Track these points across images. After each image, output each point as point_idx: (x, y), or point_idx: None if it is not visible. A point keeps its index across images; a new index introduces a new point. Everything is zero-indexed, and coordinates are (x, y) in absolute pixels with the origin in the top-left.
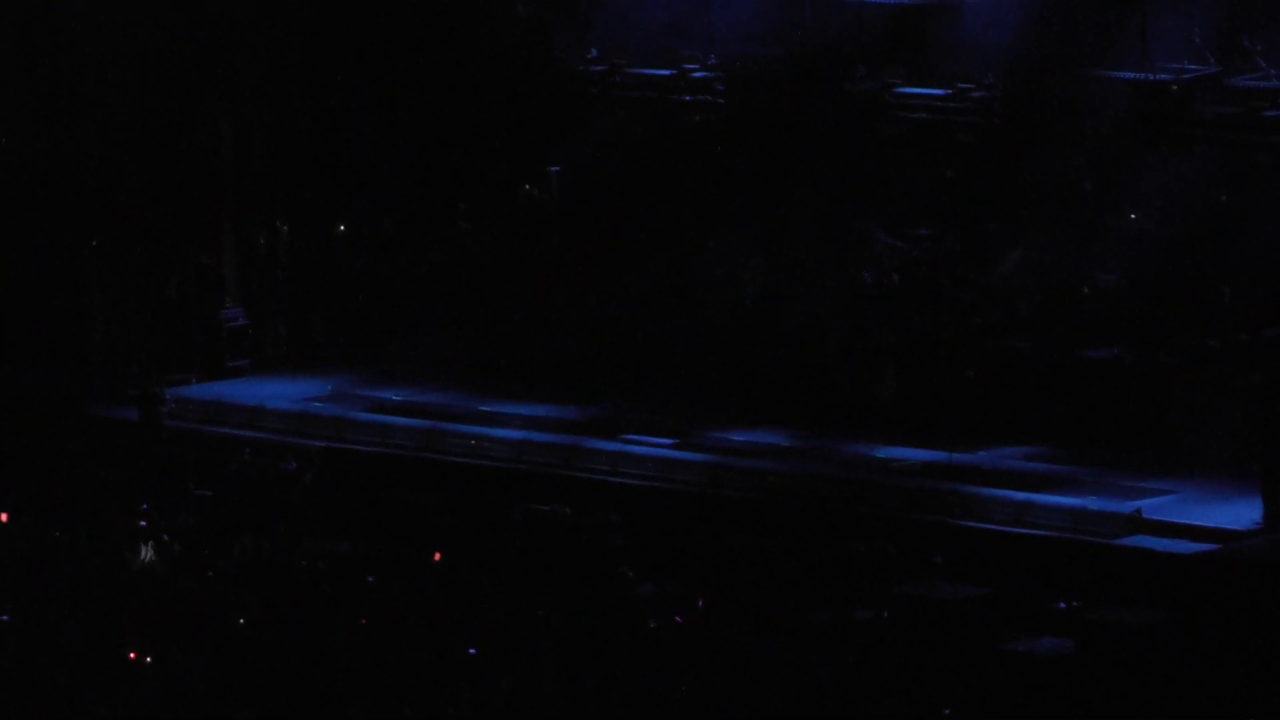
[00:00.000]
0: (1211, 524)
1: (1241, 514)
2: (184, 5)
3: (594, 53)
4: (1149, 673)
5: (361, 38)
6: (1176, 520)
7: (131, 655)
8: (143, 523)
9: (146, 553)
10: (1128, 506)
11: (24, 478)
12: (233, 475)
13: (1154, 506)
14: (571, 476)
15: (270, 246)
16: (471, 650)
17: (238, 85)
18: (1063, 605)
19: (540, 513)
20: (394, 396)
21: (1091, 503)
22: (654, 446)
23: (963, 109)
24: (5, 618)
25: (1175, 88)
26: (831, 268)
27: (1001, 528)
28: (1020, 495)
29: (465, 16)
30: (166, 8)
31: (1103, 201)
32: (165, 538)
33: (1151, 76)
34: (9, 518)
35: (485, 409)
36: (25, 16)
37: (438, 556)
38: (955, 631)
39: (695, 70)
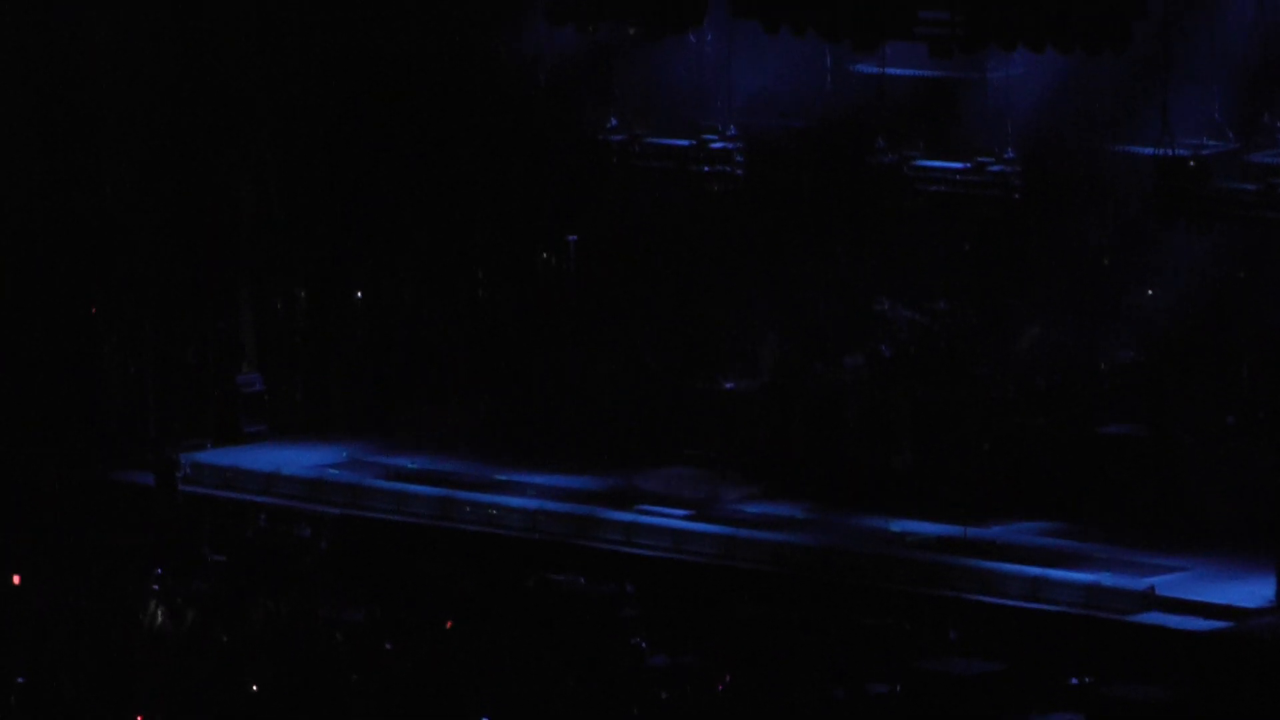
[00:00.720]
0: (1225, 601)
1: (1255, 592)
2: (204, 69)
3: (614, 121)
4: None
5: (381, 104)
6: (1190, 597)
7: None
8: (155, 586)
9: (159, 617)
10: (1142, 583)
11: (39, 541)
12: (248, 541)
13: (1168, 583)
14: (586, 546)
15: (288, 312)
16: (485, 719)
17: (257, 149)
18: (1076, 681)
19: (554, 582)
20: (410, 464)
21: (1105, 579)
22: (669, 517)
23: (981, 182)
24: (20, 680)
25: (1194, 163)
26: (849, 340)
27: (1016, 603)
28: (1035, 570)
29: (486, 84)
30: (186, 72)
31: (1121, 277)
32: (179, 602)
33: (1171, 152)
34: (23, 580)
35: (501, 478)
36: (43, 80)
37: (449, 625)
38: (969, 707)
39: (714, 140)
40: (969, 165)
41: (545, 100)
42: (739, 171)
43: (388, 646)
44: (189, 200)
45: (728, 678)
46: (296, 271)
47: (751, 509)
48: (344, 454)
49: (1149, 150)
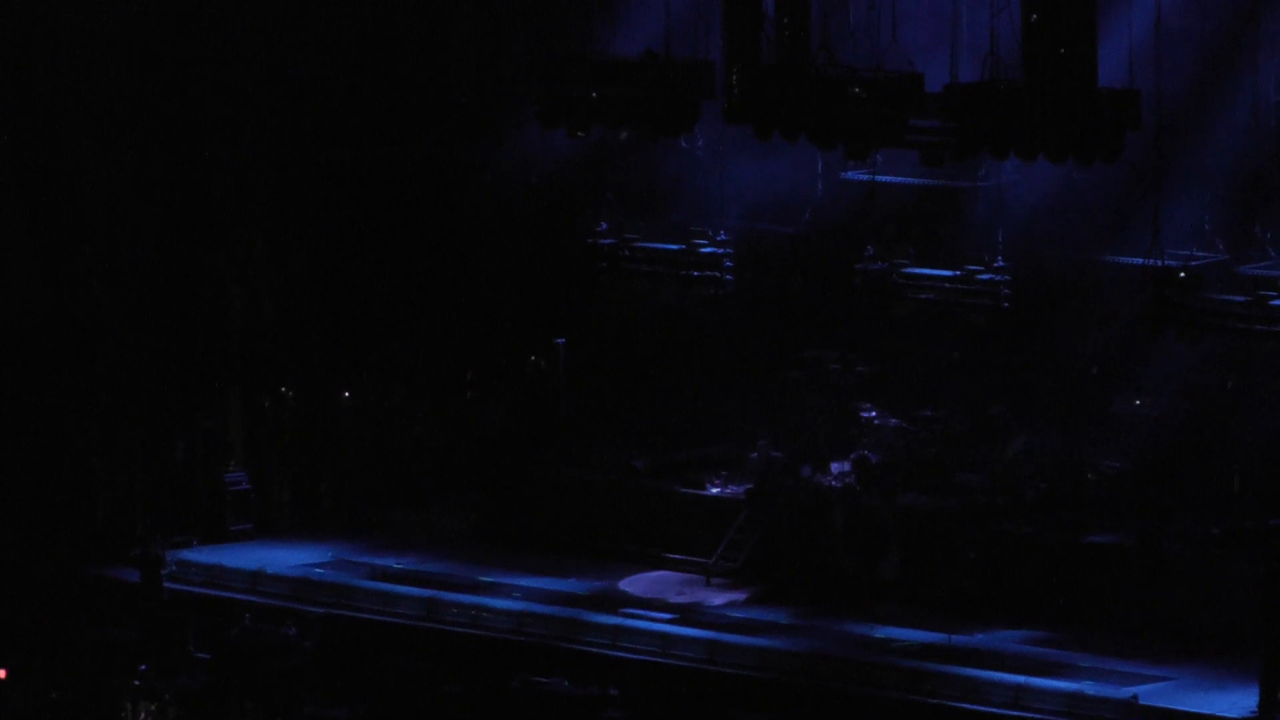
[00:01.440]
0: (1209, 711)
1: (1238, 702)
2: (196, 168)
3: (603, 225)
4: None
5: (372, 205)
6: (1173, 706)
7: None
8: (136, 682)
9: (141, 715)
10: (1125, 692)
11: (25, 636)
12: (233, 639)
13: (1151, 693)
14: (570, 648)
15: (275, 411)
16: None
17: (247, 250)
18: None
19: (539, 684)
20: (395, 564)
21: (1089, 687)
22: (654, 621)
23: (970, 290)
24: None
25: (1184, 274)
26: (837, 447)
27: (999, 710)
28: (1018, 679)
29: (477, 187)
30: (178, 170)
31: (1109, 386)
32: (164, 700)
33: (1161, 262)
34: (8, 674)
35: (486, 579)
36: (30, 176)
37: None
38: None
39: (704, 245)
40: (958, 273)
41: (536, 203)
42: (728, 276)
43: None
44: (178, 299)
45: None
46: (285, 371)
47: (737, 614)
48: (330, 554)
49: (1139, 260)
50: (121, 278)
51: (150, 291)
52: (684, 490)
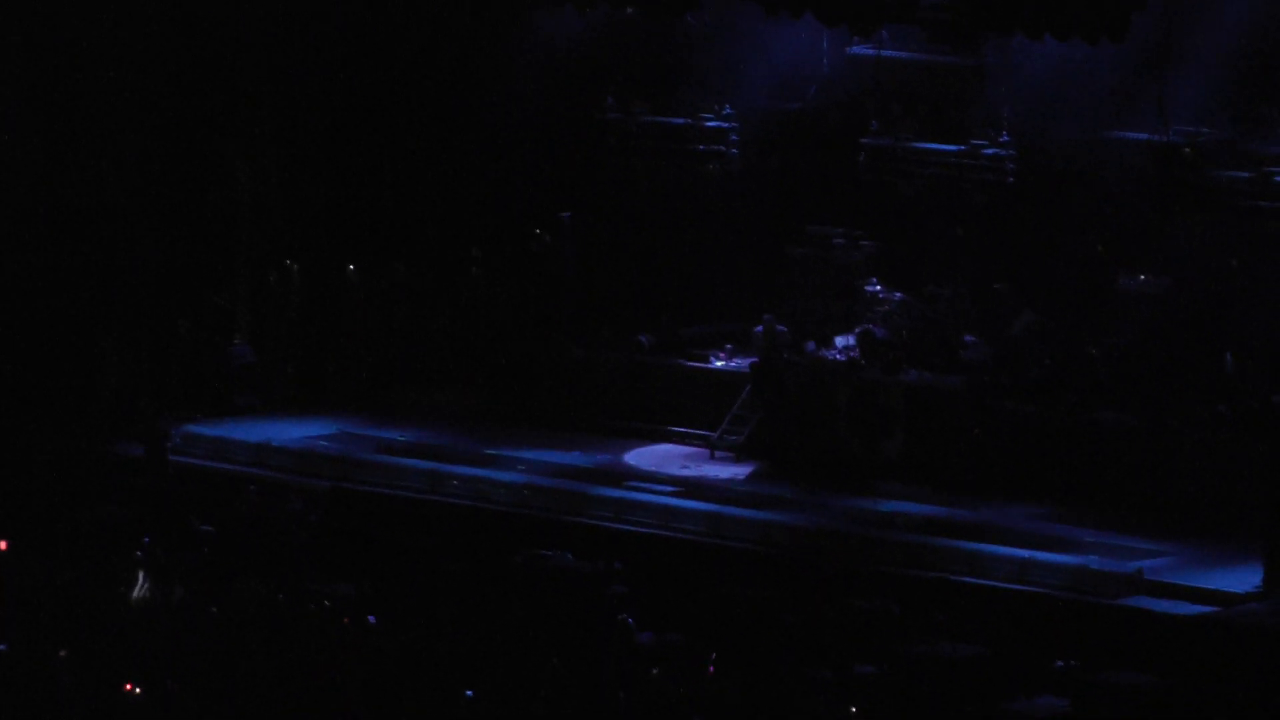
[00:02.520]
0: (1212, 587)
1: (1242, 578)
2: (201, 48)
3: (610, 101)
4: None
5: (378, 82)
6: (1178, 581)
7: (127, 686)
8: (139, 554)
9: (145, 588)
10: (1129, 567)
11: (29, 510)
12: (238, 513)
13: (1155, 568)
14: (574, 522)
15: (281, 287)
16: (469, 693)
17: (254, 128)
18: (1062, 665)
19: (542, 558)
20: (400, 438)
21: (1093, 562)
22: (658, 494)
23: (975, 166)
24: (3, 647)
25: (1189, 151)
26: (842, 322)
27: (1003, 584)
28: (1022, 553)
29: (484, 65)
30: (185, 52)
31: (1115, 263)
32: (167, 574)
33: (1167, 139)
34: (9, 547)
35: (491, 453)
36: (42, 58)
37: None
38: (955, 690)
39: (710, 120)
40: (963, 149)
41: (543, 80)
42: (733, 151)
43: (371, 620)
44: (186, 177)
45: (714, 656)
46: (291, 247)
47: (741, 487)
48: (335, 427)
49: (1145, 137)
50: (128, 156)
51: (157, 171)
52: (689, 365)
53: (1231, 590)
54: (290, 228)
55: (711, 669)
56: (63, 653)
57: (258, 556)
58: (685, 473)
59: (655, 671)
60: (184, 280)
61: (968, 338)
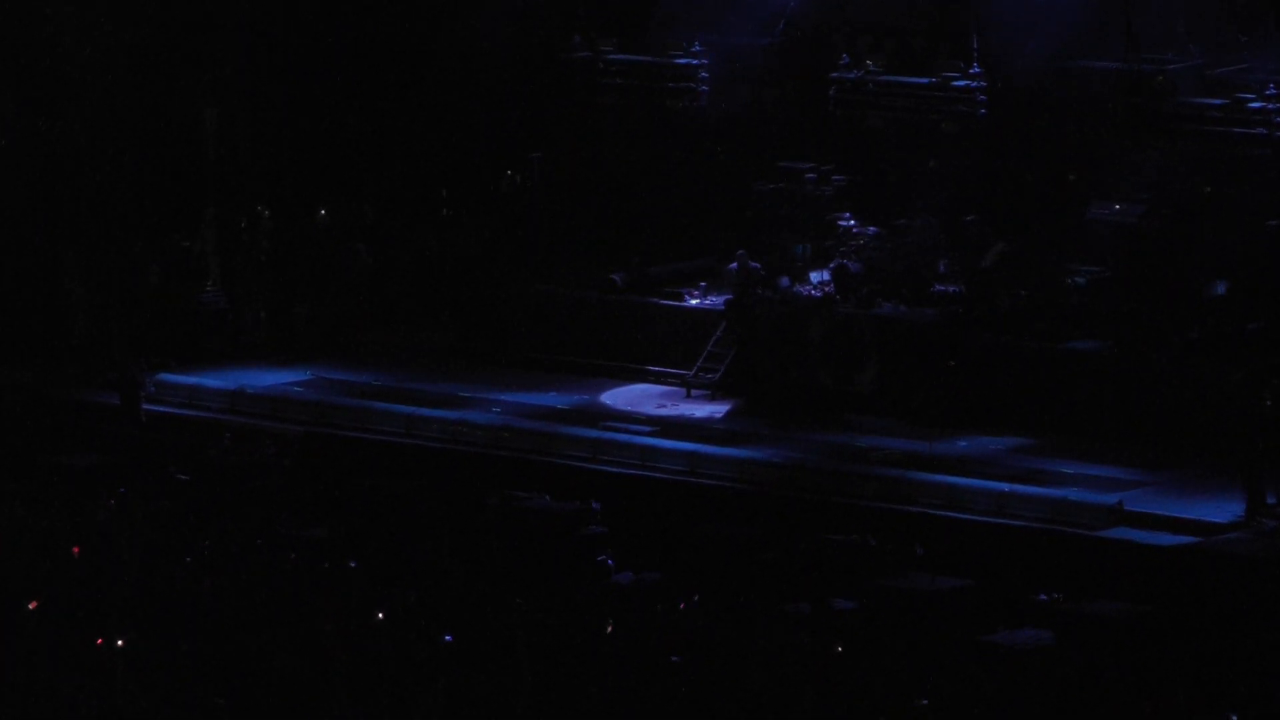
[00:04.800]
0: (1194, 516)
1: (1222, 506)
2: None
3: (577, 40)
4: (1129, 665)
5: (344, 24)
6: (1158, 511)
7: (99, 641)
8: (112, 502)
9: (121, 534)
10: (1109, 498)
11: (2, 459)
12: (213, 459)
13: (1135, 498)
14: (551, 463)
15: (251, 232)
16: (448, 637)
17: (221, 71)
18: (1044, 597)
19: (519, 499)
20: (373, 381)
21: (1073, 494)
22: (634, 434)
23: (945, 99)
24: None
25: (1160, 79)
26: (815, 257)
27: (982, 518)
28: (1001, 485)
29: (448, 3)
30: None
31: (1085, 193)
32: (143, 521)
33: (1136, 67)
34: None
35: (466, 394)
36: (6, 4)
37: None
38: (936, 624)
39: (678, 57)
40: (933, 81)
41: (509, 20)
42: (703, 89)
43: (351, 565)
44: (154, 121)
45: (694, 595)
46: (261, 191)
47: (717, 425)
48: (308, 373)
49: (1115, 66)
50: (95, 103)
51: (125, 114)
52: (662, 303)
53: (1213, 520)
54: (259, 172)
55: (687, 605)
56: (32, 604)
57: (233, 502)
58: (661, 412)
59: (634, 611)
60: (154, 227)
61: (940, 268)
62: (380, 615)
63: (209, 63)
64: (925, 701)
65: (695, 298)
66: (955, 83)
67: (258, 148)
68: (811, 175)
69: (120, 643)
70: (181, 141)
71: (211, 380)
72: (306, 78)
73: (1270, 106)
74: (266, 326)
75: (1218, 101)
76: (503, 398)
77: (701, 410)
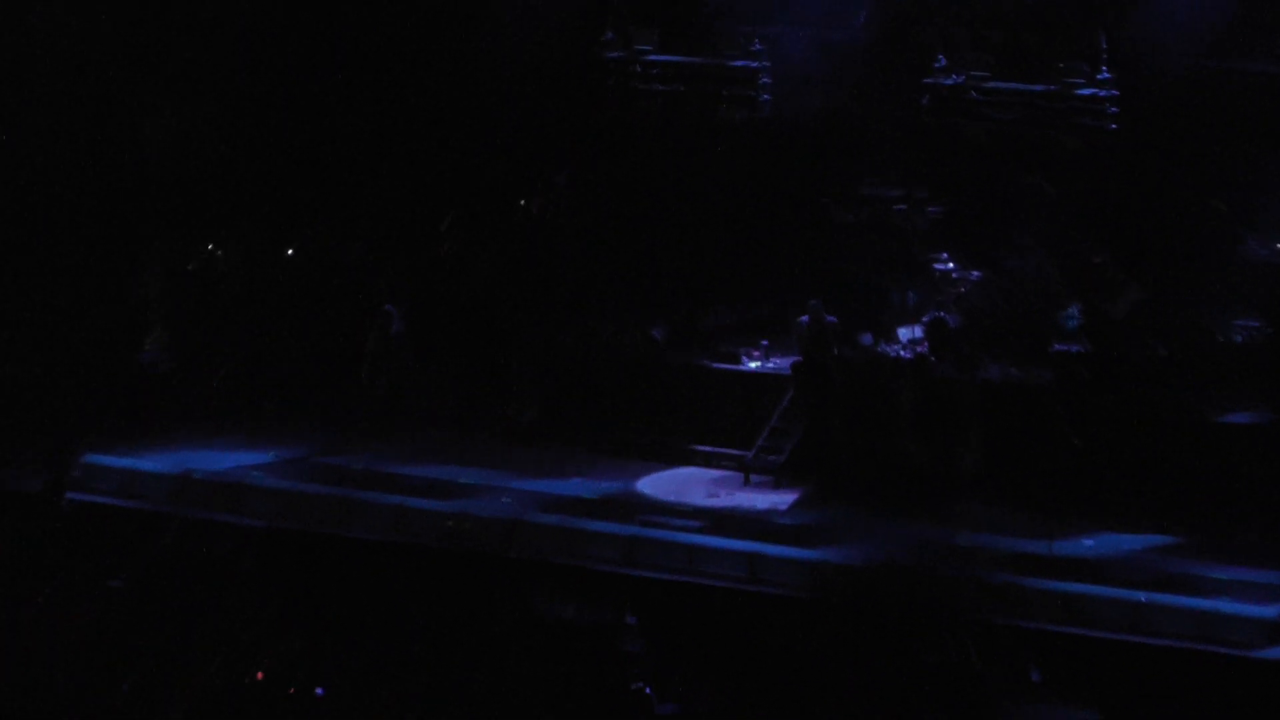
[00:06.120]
0: None
1: None
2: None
3: (609, 36)
4: None
5: (331, 18)
6: None
7: None
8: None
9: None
10: (1270, 611)
11: None
12: (154, 560)
13: None
14: (575, 566)
15: (203, 275)
16: None
17: (172, 66)
18: None
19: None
20: (354, 464)
21: (1225, 605)
22: (679, 530)
23: (1068, 109)
24: None
25: None
26: (904, 308)
27: (1112, 635)
28: (1138, 595)
29: None
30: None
31: (1239, 227)
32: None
33: None
34: None
35: (469, 481)
36: None
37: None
38: None
39: (734, 57)
40: (1053, 88)
41: (529, 12)
42: (764, 96)
43: (319, 693)
44: (89, 132)
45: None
46: (218, 226)
47: (783, 519)
48: (272, 453)
49: (1274, 69)
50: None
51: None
52: (715, 365)
53: None
54: (217, 196)
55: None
56: None
57: (179, 614)
58: (713, 503)
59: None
60: (87, 270)
61: (1061, 321)
62: None
63: (158, 56)
64: None
65: (755, 359)
66: (1079, 89)
67: (218, 165)
68: (901, 205)
69: None
70: (125, 157)
71: (151, 463)
72: (278, 75)
73: None
74: (222, 394)
75: None
76: (514, 484)
77: (763, 500)
